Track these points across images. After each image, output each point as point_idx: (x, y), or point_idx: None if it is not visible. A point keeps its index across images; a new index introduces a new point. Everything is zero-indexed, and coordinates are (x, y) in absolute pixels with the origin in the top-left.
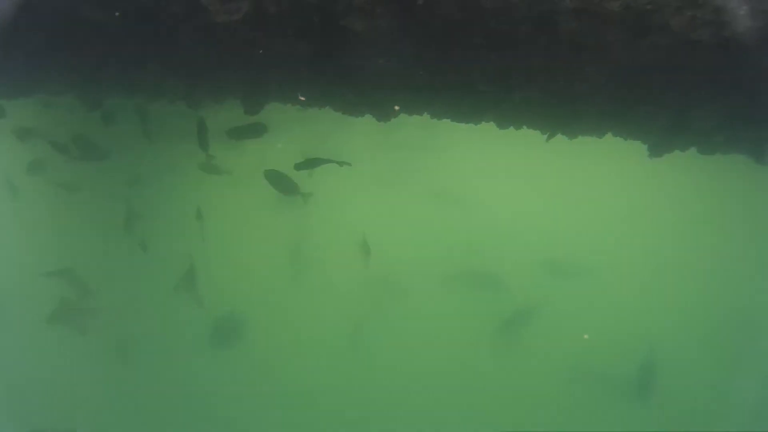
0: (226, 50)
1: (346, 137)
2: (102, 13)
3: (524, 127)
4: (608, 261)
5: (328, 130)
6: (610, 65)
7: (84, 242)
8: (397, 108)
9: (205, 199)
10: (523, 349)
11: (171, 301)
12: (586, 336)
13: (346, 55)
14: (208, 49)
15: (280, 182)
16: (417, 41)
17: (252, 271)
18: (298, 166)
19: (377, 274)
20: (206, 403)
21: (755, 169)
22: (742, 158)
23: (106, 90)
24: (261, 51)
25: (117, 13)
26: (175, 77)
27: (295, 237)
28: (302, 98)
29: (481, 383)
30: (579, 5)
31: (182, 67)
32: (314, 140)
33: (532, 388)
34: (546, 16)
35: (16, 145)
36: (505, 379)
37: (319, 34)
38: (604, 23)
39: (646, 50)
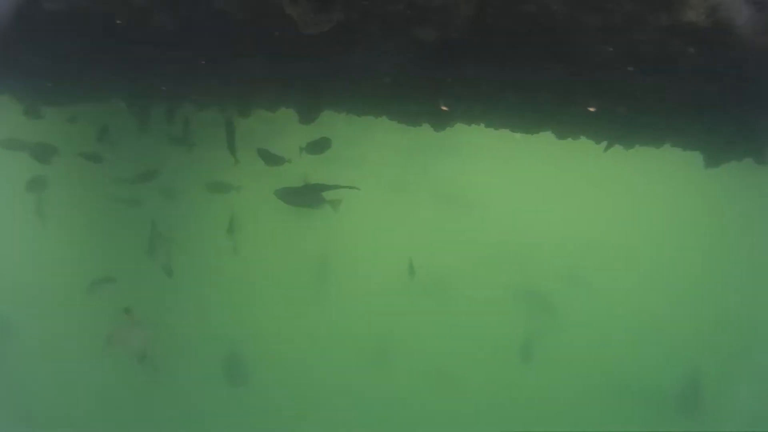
0: (290, 59)
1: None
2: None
3: (582, 137)
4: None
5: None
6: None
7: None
8: (444, 108)
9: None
10: (562, 359)
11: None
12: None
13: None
14: (267, 59)
15: (295, 197)
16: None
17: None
18: (282, 195)
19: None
20: None
21: None
22: None
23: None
24: (326, 60)
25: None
26: (228, 85)
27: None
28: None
29: (512, 389)
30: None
31: (238, 75)
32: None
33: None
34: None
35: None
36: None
37: (390, 44)
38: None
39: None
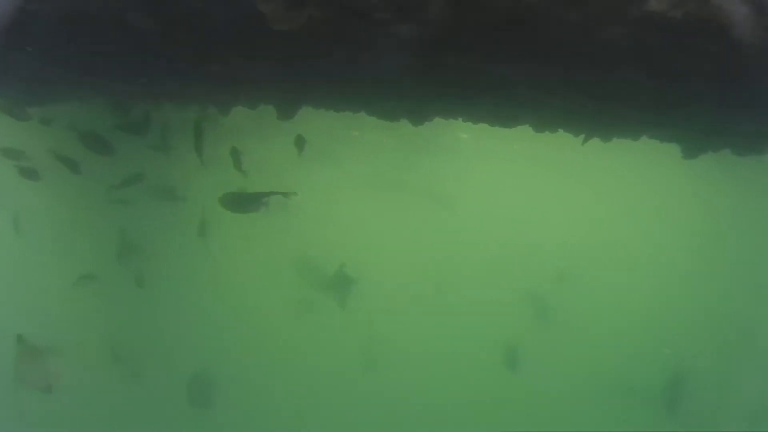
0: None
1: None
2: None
3: (560, 130)
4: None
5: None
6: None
7: None
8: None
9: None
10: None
11: None
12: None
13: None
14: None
15: (238, 204)
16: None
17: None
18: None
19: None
20: None
21: None
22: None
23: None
24: (303, 57)
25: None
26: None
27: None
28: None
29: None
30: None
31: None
32: None
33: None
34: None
35: None
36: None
37: (358, 40)
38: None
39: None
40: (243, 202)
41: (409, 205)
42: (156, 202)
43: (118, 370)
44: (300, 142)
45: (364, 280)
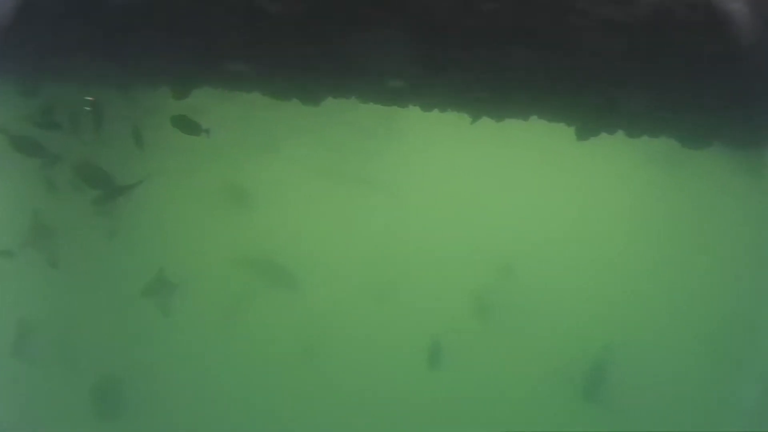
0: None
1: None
2: None
3: (449, 110)
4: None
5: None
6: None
7: None
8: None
9: None
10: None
11: None
12: None
13: None
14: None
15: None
16: None
17: None
18: None
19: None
20: None
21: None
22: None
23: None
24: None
25: None
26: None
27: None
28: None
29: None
30: None
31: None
32: None
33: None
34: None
35: None
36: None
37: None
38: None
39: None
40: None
41: (354, 195)
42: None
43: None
44: (183, 122)
45: (307, 272)
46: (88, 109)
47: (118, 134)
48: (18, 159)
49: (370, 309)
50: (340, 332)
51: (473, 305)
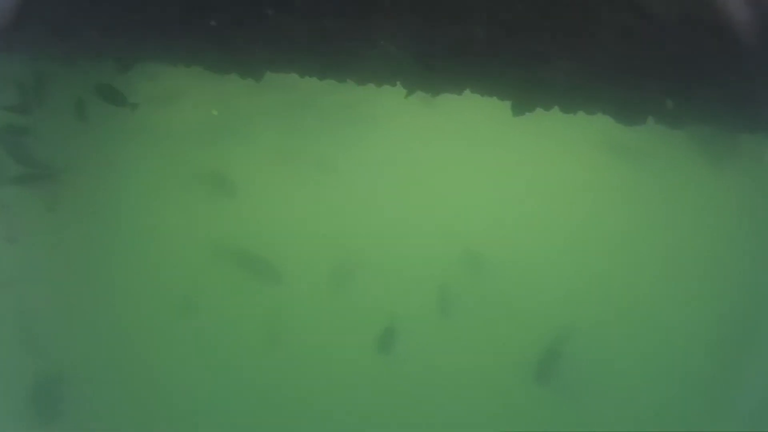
0: None
1: None
2: None
3: (386, 85)
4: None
5: None
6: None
7: None
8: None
9: None
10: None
11: None
12: None
13: None
14: None
15: None
16: None
17: None
18: None
19: None
20: None
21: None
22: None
23: None
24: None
25: None
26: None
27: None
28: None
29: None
30: None
31: None
32: None
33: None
34: None
35: None
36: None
37: None
38: None
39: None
40: None
41: (319, 181)
42: None
43: None
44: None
45: (272, 260)
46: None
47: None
48: None
49: (327, 297)
50: (303, 321)
51: (430, 291)
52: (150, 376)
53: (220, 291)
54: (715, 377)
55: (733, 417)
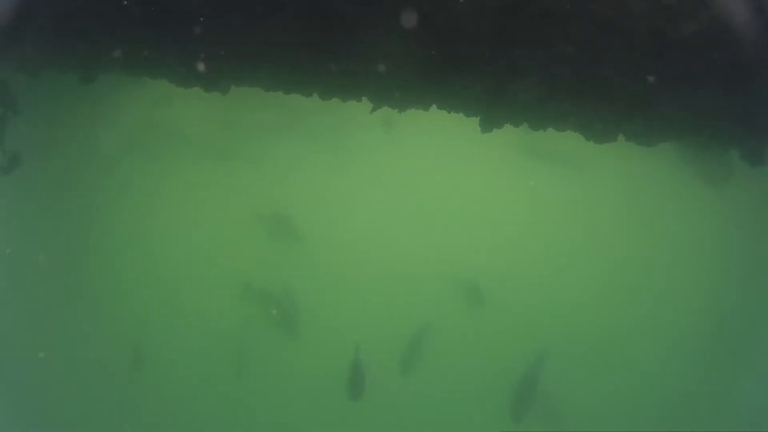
0: None
1: None
2: None
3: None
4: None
5: None
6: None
7: None
8: None
9: None
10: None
11: None
12: None
13: None
14: None
15: None
16: None
17: None
18: None
19: None
20: None
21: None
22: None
23: None
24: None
25: None
26: None
27: None
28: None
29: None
30: None
31: None
32: None
33: None
34: None
35: None
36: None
37: None
38: None
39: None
40: None
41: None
42: None
43: None
44: None
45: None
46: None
47: None
48: None
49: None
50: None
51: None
52: None
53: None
54: (714, 383)
55: (733, 417)
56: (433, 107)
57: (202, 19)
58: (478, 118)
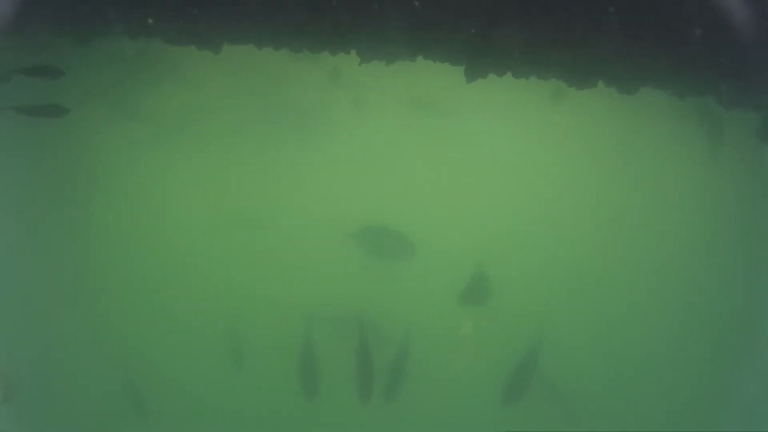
0: None
1: None
2: None
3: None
4: None
5: None
6: None
7: None
8: None
9: None
10: None
11: None
12: None
13: None
14: None
15: None
16: None
17: None
18: None
19: None
20: None
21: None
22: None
23: None
24: None
25: None
26: None
27: None
28: None
29: None
30: None
31: None
32: None
33: None
34: None
35: None
36: None
37: None
38: None
39: None
40: None
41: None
42: None
43: None
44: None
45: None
46: None
47: None
48: None
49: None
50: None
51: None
52: None
53: None
54: (714, 379)
55: (732, 417)
56: (419, 58)
57: None
58: (463, 67)
